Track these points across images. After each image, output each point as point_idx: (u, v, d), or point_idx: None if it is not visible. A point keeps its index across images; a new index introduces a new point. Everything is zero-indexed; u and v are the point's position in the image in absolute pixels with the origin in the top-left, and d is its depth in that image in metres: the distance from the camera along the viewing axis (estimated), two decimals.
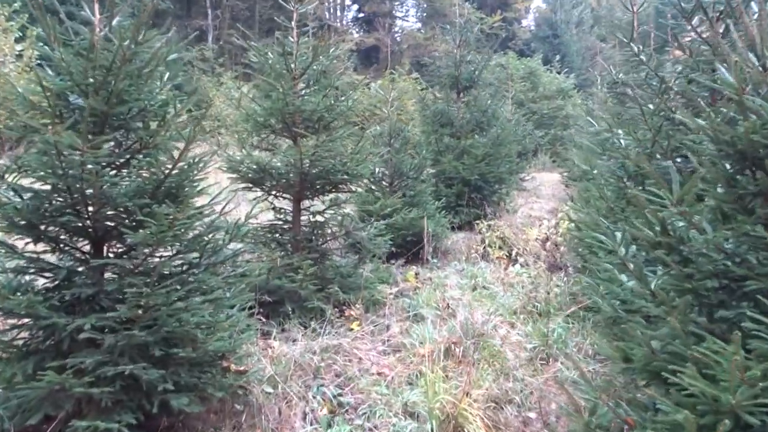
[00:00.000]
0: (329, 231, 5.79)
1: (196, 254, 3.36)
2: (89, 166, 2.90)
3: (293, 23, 5.76)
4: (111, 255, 3.32)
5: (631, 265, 2.63)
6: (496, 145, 10.32)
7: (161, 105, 3.33)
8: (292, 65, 5.52)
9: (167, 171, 3.11)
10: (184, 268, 3.31)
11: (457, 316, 4.89)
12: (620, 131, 4.56)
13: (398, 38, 45.84)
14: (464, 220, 9.78)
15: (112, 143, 3.25)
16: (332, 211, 5.91)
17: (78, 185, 2.93)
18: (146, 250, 3.05)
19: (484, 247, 7.91)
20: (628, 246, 2.72)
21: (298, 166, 5.28)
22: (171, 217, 2.89)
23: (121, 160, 3.29)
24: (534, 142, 20.97)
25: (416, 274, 7.01)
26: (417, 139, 9.35)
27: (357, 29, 45.37)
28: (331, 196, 5.80)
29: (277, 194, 5.76)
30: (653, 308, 2.39)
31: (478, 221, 9.91)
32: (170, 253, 3.29)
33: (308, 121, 5.56)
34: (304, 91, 5.59)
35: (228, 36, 33.35)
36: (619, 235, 2.75)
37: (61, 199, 3.04)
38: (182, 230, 3.01)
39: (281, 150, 5.52)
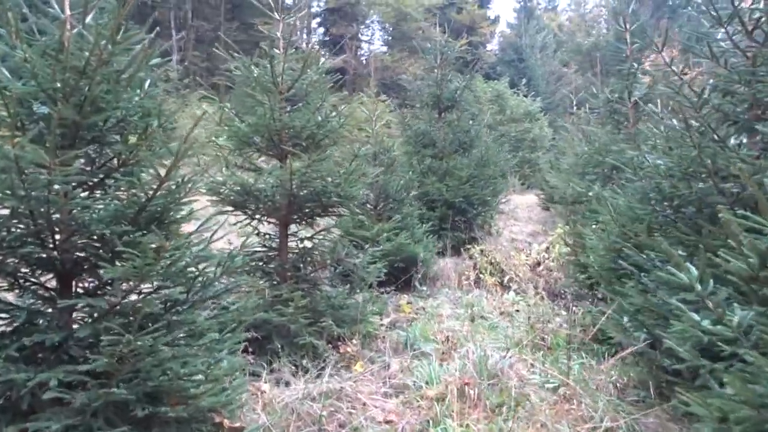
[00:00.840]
0: (319, 258, 5.30)
1: (181, 289, 2.85)
2: (57, 187, 2.39)
3: (279, 33, 5.33)
4: (82, 292, 2.78)
5: (711, 303, 2.23)
6: (480, 166, 10.00)
7: (143, 115, 2.84)
8: (279, 79, 5.07)
9: (151, 192, 2.61)
10: (168, 306, 2.80)
11: (467, 354, 4.44)
12: (647, 150, 4.22)
13: (364, 61, 45.79)
14: (449, 244, 9.39)
15: (84, 159, 2.75)
16: (321, 237, 5.43)
17: (43, 209, 2.41)
18: (126, 287, 2.53)
19: (477, 274, 7.51)
20: (707, 280, 2.32)
21: (287, 187, 4.80)
22: (157, 246, 2.39)
23: (95, 180, 2.78)
24: (508, 164, 20.89)
25: (408, 303, 6.56)
26: (400, 160, 8.94)
27: (324, 52, 45.12)
28: (322, 220, 5.33)
29: (262, 218, 5.26)
30: (752, 355, 1.99)
31: (463, 245, 9.54)
32: (150, 289, 2.77)
33: (297, 138, 5.10)
34: (291, 107, 5.14)
35: (193, 57, 32.76)
36: (693, 268, 2.35)
37: (22, 226, 2.51)
38: (170, 262, 2.51)
39: (267, 170, 5.05)
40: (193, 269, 2.80)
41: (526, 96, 31.87)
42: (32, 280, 2.72)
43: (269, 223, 5.35)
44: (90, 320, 2.62)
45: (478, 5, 44.71)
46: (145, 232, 2.55)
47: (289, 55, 5.15)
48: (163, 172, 2.72)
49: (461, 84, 10.21)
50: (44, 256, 2.57)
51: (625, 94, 7.17)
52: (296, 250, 5.30)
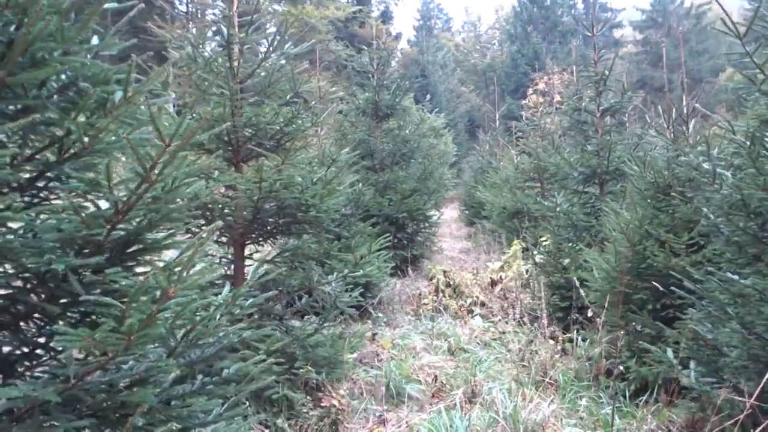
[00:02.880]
0: (284, 286, 4.30)
1: (162, 350, 1.84)
2: None
3: (234, 11, 4.32)
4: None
5: None
6: (422, 179, 9.29)
7: (100, 77, 1.80)
8: (236, 63, 4.06)
9: (129, 199, 1.60)
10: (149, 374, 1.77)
11: (490, 402, 3.61)
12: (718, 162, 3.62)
13: (263, 73, 44.23)
14: (392, 265, 8.56)
15: (16, 145, 1.69)
16: (286, 259, 4.44)
17: None
18: (93, 360, 1.50)
19: (440, 297, 6.73)
20: None
21: (252, 198, 3.80)
22: (162, 289, 1.40)
23: (30, 177, 1.72)
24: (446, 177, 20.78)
25: (374, 333, 5.65)
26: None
27: None
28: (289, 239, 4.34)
29: (214, 237, 4.20)
30: None
31: (406, 264, 8.77)
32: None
33: (259, 138, 4.10)
34: (253, 98, 4.14)
35: None
36: None
37: None
38: (175, 315, 1.51)
39: (227, 180, 4.00)
40: (189, 320, 1.80)
41: (430, 112, 31.96)
42: None
43: (221, 243, 4.29)
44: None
45: (381, 20, 44.69)
46: (124, 265, 1.53)
47: (248, 37, 4.15)
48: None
49: (401, 91, 9.47)
50: None
51: (593, 105, 6.72)
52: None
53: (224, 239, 4.26)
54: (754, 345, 2.91)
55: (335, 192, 4.10)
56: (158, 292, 1.41)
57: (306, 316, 4.67)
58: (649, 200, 4.77)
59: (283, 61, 4.16)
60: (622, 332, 4.60)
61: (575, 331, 5.51)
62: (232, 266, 4.22)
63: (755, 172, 2.94)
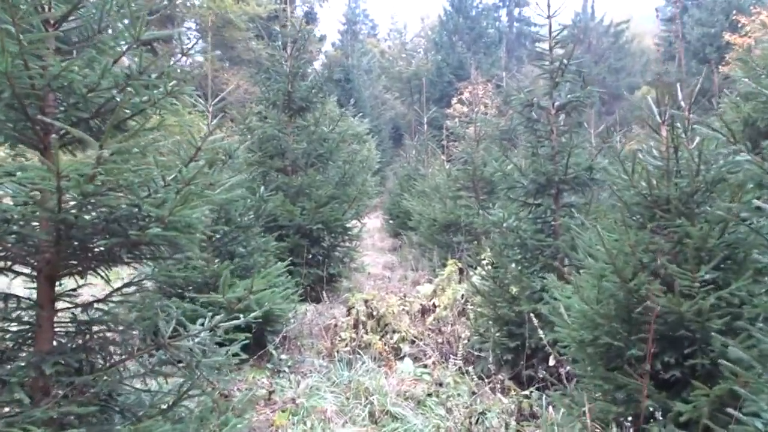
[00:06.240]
0: (121, 341, 2.79)
1: None
2: None
3: None
4: None
5: None
6: (342, 185, 7.89)
7: None
8: None
9: None
10: None
11: None
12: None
13: (178, 69, 41.52)
14: (304, 285, 7.13)
15: None
16: (124, 297, 2.93)
17: None
18: None
19: (360, 333, 5.33)
20: None
21: (50, 206, 2.28)
22: None
23: None
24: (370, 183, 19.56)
25: (271, 391, 4.19)
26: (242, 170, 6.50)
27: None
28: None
29: (4, 266, 2.64)
30: None
31: (321, 285, 7.34)
32: None
33: (76, 109, 2.60)
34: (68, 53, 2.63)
35: None
36: None
37: None
38: None
39: (14, 169, 2.46)
40: None
41: (354, 117, 30.73)
42: None
43: (16, 274, 2.72)
44: None
45: (306, 21, 43.14)
46: None
47: None
48: None
49: (318, 81, 8.06)
50: None
51: (546, 100, 5.55)
52: (71, 327, 2.74)
53: (25, 269, 2.70)
54: None
55: (201, 197, 2.64)
56: None
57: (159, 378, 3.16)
58: (639, 218, 3.58)
59: None
60: (606, 399, 3.38)
61: (534, 386, 4.29)
62: (35, 314, 2.67)
63: None
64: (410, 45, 59.45)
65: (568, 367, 4.21)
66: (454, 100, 30.67)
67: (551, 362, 4.46)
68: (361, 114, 33.63)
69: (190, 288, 4.87)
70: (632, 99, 37.09)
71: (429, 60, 49.20)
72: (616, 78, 42.48)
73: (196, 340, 2.88)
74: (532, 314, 4.61)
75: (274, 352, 5.02)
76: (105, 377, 2.65)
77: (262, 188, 5.95)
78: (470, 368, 4.84)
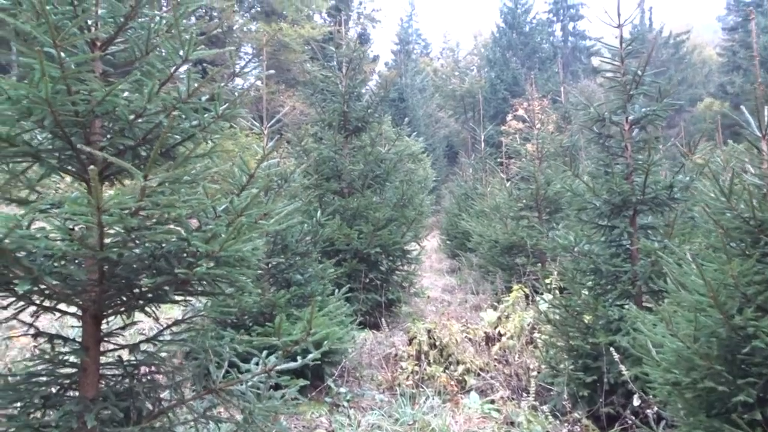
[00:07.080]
0: (170, 385, 2.59)
1: None
2: None
3: None
4: None
5: None
6: (400, 206, 7.64)
7: None
8: (92, 20, 2.40)
9: None
10: None
11: None
12: None
13: (236, 93, 42.41)
14: (362, 311, 6.88)
15: None
16: (173, 336, 2.73)
17: None
18: None
19: (423, 365, 5.02)
20: None
21: (96, 241, 2.10)
22: None
23: None
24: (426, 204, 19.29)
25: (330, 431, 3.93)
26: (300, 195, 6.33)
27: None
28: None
29: (50, 305, 2.48)
30: None
31: (380, 312, 7.07)
32: None
33: (122, 134, 2.43)
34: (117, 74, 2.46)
35: None
36: None
37: None
38: None
39: (56, 199, 2.31)
40: None
41: (408, 136, 30.61)
42: None
43: (62, 313, 2.56)
44: None
45: (359, 42, 43.53)
46: None
47: None
48: None
49: (374, 101, 7.87)
50: None
51: (619, 115, 5.16)
52: (116, 369, 2.55)
53: (70, 309, 2.54)
54: None
55: (255, 229, 2.42)
56: None
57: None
58: (740, 244, 3.17)
59: (166, 18, 2.48)
60: None
61: (618, 427, 3.88)
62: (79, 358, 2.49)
63: None
64: (463, 62, 59.15)
65: (656, 408, 3.80)
66: (509, 117, 30.16)
67: (635, 401, 4.04)
68: (415, 133, 33.49)
69: (245, 317, 4.68)
70: (696, 112, 35.71)
71: (482, 77, 48.79)
72: (677, 90, 41.08)
73: (249, 383, 2.64)
74: (611, 347, 4.22)
75: (332, 385, 4.77)
76: (154, 425, 2.45)
77: (319, 212, 5.75)
78: (542, 404, 4.47)
